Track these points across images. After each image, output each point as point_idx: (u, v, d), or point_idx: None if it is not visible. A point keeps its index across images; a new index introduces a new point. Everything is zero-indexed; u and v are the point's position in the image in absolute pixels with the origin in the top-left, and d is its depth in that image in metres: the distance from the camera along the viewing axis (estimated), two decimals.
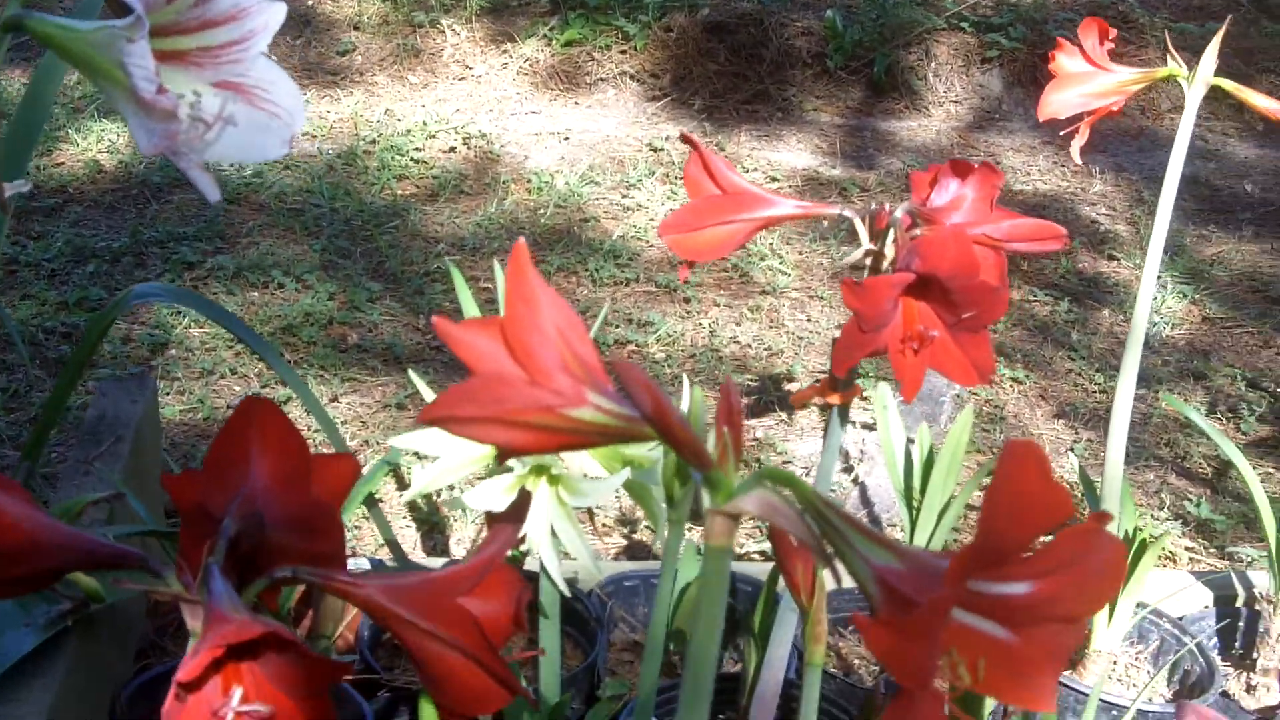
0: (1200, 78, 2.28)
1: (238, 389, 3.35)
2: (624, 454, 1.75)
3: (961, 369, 1.75)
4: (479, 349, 0.98)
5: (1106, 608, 2.45)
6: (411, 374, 1.93)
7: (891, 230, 1.83)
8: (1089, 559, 0.88)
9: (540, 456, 1.67)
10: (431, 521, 2.94)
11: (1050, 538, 0.88)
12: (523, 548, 1.78)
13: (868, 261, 1.86)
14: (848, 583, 2.51)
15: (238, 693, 1.02)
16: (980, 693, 0.90)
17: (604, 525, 3.04)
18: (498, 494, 1.66)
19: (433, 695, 1.09)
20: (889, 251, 1.84)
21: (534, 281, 0.98)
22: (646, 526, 3.03)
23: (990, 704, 2.14)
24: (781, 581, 2.16)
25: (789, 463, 3.31)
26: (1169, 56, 2.30)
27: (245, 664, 1.03)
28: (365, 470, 2.43)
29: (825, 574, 1.63)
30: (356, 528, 2.88)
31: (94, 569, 1.17)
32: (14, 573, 1.09)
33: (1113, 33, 2.24)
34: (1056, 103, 2.25)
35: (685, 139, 1.86)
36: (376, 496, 2.57)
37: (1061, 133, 2.29)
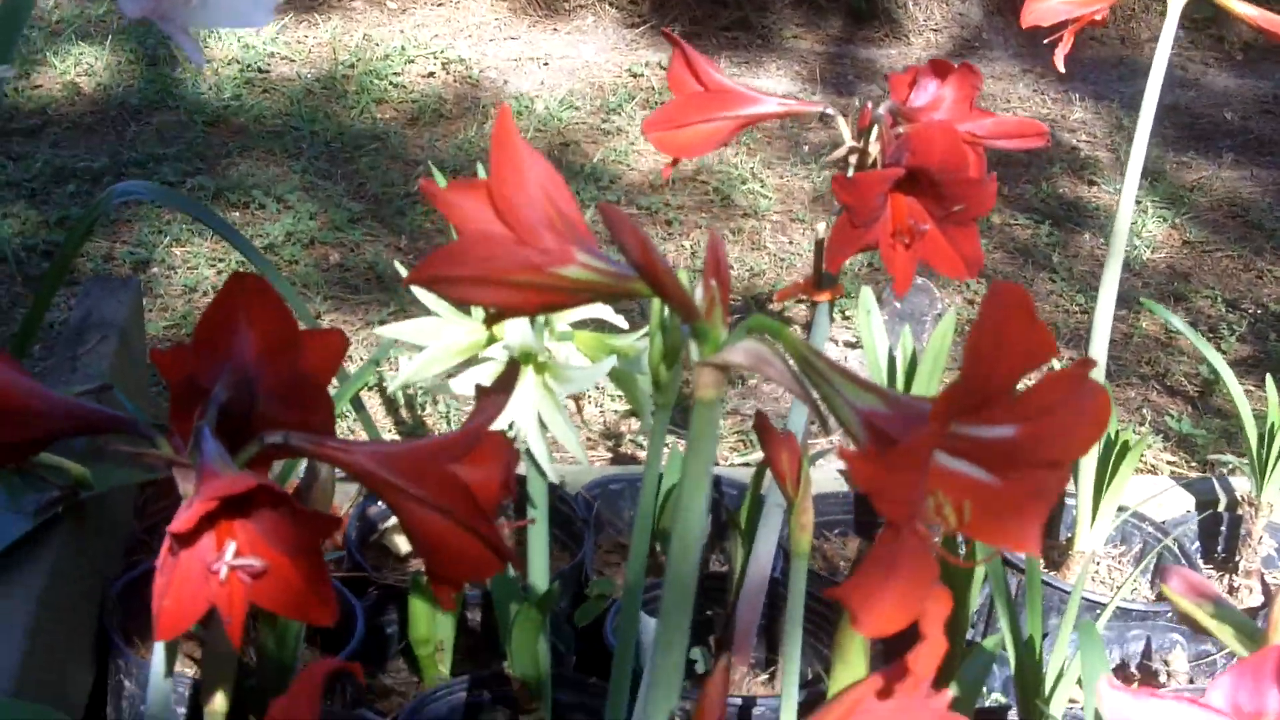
0: None
1: None
2: (610, 343, 1.75)
3: (951, 262, 1.77)
4: (465, 209, 0.98)
5: (1089, 510, 2.47)
6: (398, 265, 1.94)
7: (875, 127, 1.84)
8: (1072, 403, 0.88)
9: (526, 344, 1.67)
10: (416, 434, 2.95)
11: (1033, 382, 0.89)
12: (510, 435, 1.78)
13: (852, 159, 1.87)
14: (829, 487, 2.53)
15: (231, 546, 1.03)
16: (967, 535, 0.91)
17: (590, 439, 3.05)
18: (484, 380, 1.66)
19: (426, 562, 1.10)
20: (873, 149, 1.85)
21: (518, 143, 0.99)
22: (631, 440, 3.04)
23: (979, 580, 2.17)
24: (766, 480, 2.19)
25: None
26: None
27: (238, 520, 1.04)
28: (351, 371, 2.44)
29: (811, 469, 1.65)
30: (349, 432, 2.88)
31: (86, 434, 1.17)
32: (7, 438, 1.10)
33: None
34: (1039, 10, 2.24)
35: (668, 36, 1.87)
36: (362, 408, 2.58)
37: (1045, 41, 2.29)
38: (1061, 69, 2.23)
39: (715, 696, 0.99)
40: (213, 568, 1.03)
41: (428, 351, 1.70)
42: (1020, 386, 0.87)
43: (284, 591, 1.05)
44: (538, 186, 0.98)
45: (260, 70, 4.59)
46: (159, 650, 1.16)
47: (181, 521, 1.00)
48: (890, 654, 1.56)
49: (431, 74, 4.75)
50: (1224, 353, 3.57)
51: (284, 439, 1.10)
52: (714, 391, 0.95)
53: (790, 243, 3.96)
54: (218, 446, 1.06)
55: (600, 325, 1.78)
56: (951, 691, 0.97)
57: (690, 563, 1.00)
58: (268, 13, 1.25)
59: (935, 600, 0.87)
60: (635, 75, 4.87)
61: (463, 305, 1.72)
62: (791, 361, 0.94)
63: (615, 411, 3.13)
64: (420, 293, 1.60)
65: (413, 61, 4.79)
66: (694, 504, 0.99)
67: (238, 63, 4.59)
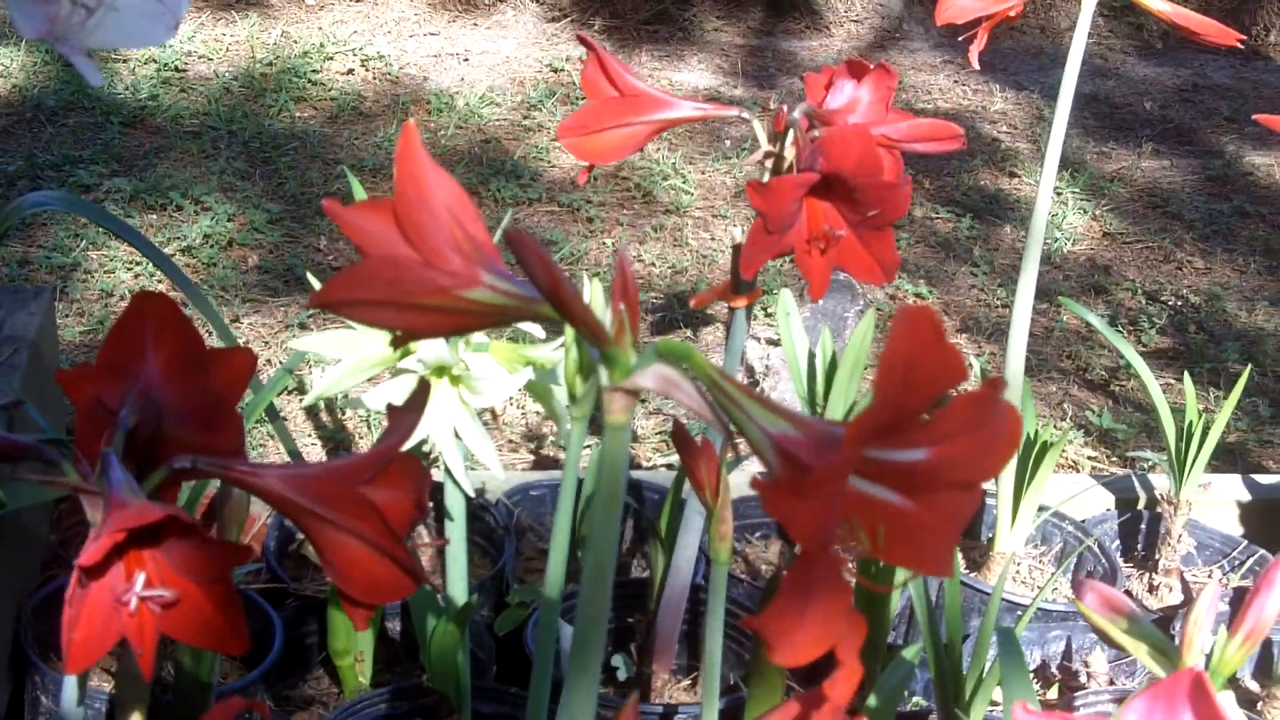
0: None
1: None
2: (526, 355, 1.74)
3: (867, 267, 1.76)
4: (370, 231, 0.97)
5: (1009, 510, 2.47)
6: (310, 276, 1.92)
7: (790, 131, 1.84)
8: (985, 424, 0.88)
9: (440, 357, 1.66)
10: (337, 439, 2.93)
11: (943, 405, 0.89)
12: (425, 448, 1.77)
13: (768, 164, 1.86)
14: (750, 490, 2.52)
15: (141, 577, 1.02)
16: (880, 559, 0.90)
17: (510, 441, 3.04)
18: (398, 394, 1.65)
19: (338, 585, 1.09)
20: (789, 153, 1.85)
21: (424, 162, 0.97)
22: (553, 442, 3.03)
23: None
24: (687, 486, 2.18)
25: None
26: None
27: (147, 550, 1.03)
28: (266, 381, 2.42)
29: (730, 476, 1.64)
30: (261, 446, 2.86)
31: None
32: None
33: None
34: (955, 6, 2.24)
35: (581, 40, 1.86)
36: (281, 414, 2.56)
37: (960, 38, 2.29)
38: (976, 65, 2.23)
39: None
40: (122, 599, 1.02)
41: (342, 365, 1.69)
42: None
43: (195, 621, 1.05)
44: (444, 208, 0.97)
45: (177, 70, 4.56)
46: (69, 682, 1.15)
47: (89, 554, 0.98)
48: (809, 671, 1.56)
49: (351, 71, 4.73)
50: (1144, 345, 3.59)
51: (192, 463, 1.09)
52: (624, 416, 0.94)
53: (712, 239, 3.96)
54: (125, 475, 1.04)
55: (516, 334, 1.77)
56: (871, 704, 0.96)
57: (604, 582, 0.99)
58: (168, 30, 1.23)
59: (851, 626, 0.86)
60: (556, 70, 4.86)
61: None
62: (702, 386, 0.93)
63: (537, 414, 3.12)
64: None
65: (331, 59, 4.77)
66: (608, 523, 0.98)
67: (154, 62, 4.55)
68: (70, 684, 1.15)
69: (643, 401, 3.08)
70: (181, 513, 1.01)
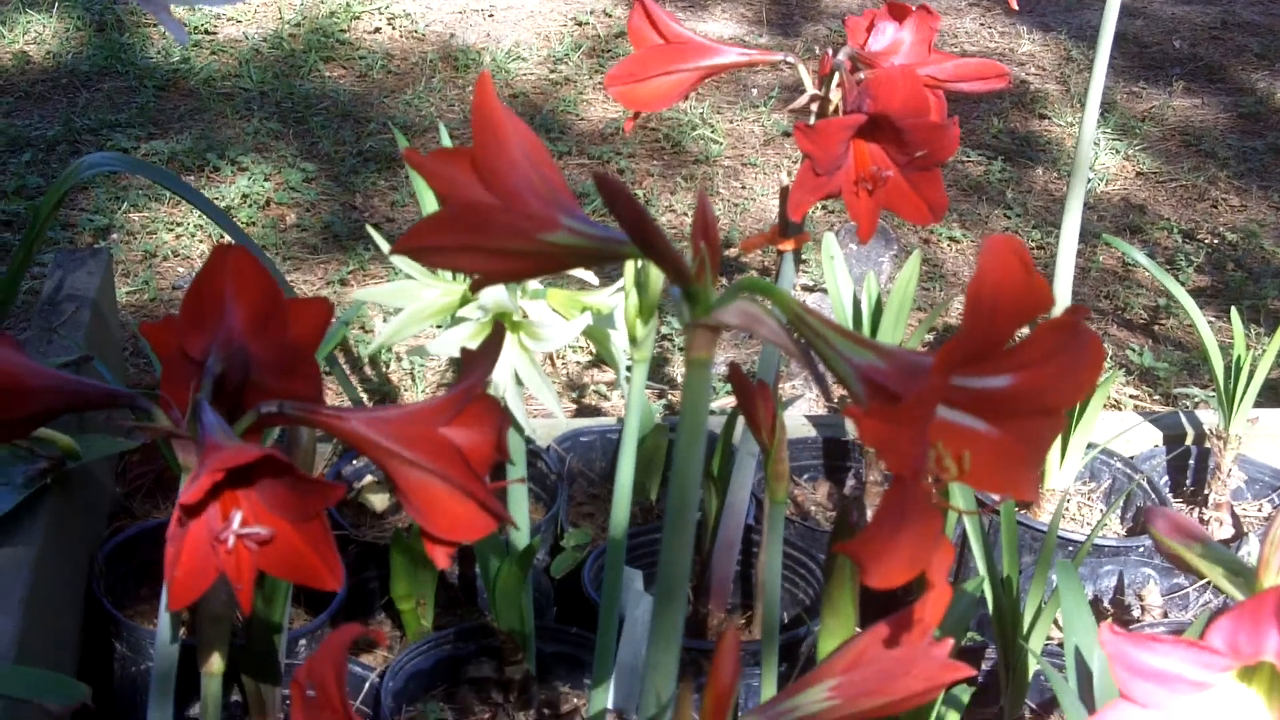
0: None
1: (180, 270, 3.35)
2: (583, 301, 1.76)
3: (915, 208, 1.78)
4: (451, 178, 0.99)
5: (1058, 448, 2.49)
6: (370, 230, 1.94)
7: (836, 75, 1.85)
8: (1067, 351, 0.90)
9: (500, 304, 1.68)
10: (383, 390, 2.95)
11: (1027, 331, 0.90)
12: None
13: (813, 107, 1.88)
14: (799, 433, 2.54)
15: (238, 516, 1.04)
16: (967, 484, 0.92)
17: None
18: (460, 342, 1.67)
19: (420, 524, 1.11)
20: (834, 96, 1.86)
21: (500, 111, 0.99)
22: (595, 391, 3.05)
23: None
24: (738, 430, 2.20)
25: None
26: None
27: (242, 490, 1.06)
28: None
29: (785, 412, 1.66)
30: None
31: (86, 409, 1.18)
32: (9, 415, 1.11)
33: None
34: None
35: None
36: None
37: None
38: (1015, 7, 2.23)
39: (728, 657, 1.00)
40: (220, 536, 1.04)
41: (403, 314, 1.71)
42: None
43: (290, 558, 1.07)
44: (521, 154, 0.99)
45: (207, 32, 4.57)
46: (165, 618, 1.17)
47: (190, 493, 1.01)
48: (872, 603, 1.58)
49: (377, 30, 4.73)
50: (1182, 284, 3.59)
51: (279, 408, 1.11)
52: (706, 352, 0.96)
53: (743, 188, 3.97)
54: (218, 418, 1.07)
55: (568, 280, 1.79)
56: (936, 636, 0.98)
57: (689, 518, 1.01)
58: None
59: (941, 550, 0.88)
60: (580, 24, 4.86)
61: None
62: (784, 319, 0.95)
63: (578, 363, 3.14)
64: (397, 257, 1.61)
65: (358, 18, 4.77)
66: (691, 461, 1.00)
67: (185, 25, 4.56)
68: (164, 620, 1.17)
69: (681, 350, 3.10)
70: (276, 452, 1.03)
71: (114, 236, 3.46)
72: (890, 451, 0.84)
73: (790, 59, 1.91)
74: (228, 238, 2.78)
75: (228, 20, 4.66)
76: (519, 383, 1.75)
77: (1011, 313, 0.86)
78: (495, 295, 1.68)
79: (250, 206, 3.62)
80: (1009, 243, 0.85)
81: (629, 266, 1.52)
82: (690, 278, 0.95)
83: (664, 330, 3.25)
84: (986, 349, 0.88)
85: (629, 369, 1.59)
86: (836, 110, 1.85)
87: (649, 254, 0.95)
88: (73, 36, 4.46)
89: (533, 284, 1.76)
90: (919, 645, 0.95)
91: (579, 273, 1.84)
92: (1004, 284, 0.85)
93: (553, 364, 3.14)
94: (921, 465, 0.85)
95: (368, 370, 3.02)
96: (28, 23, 4.48)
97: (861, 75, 1.85)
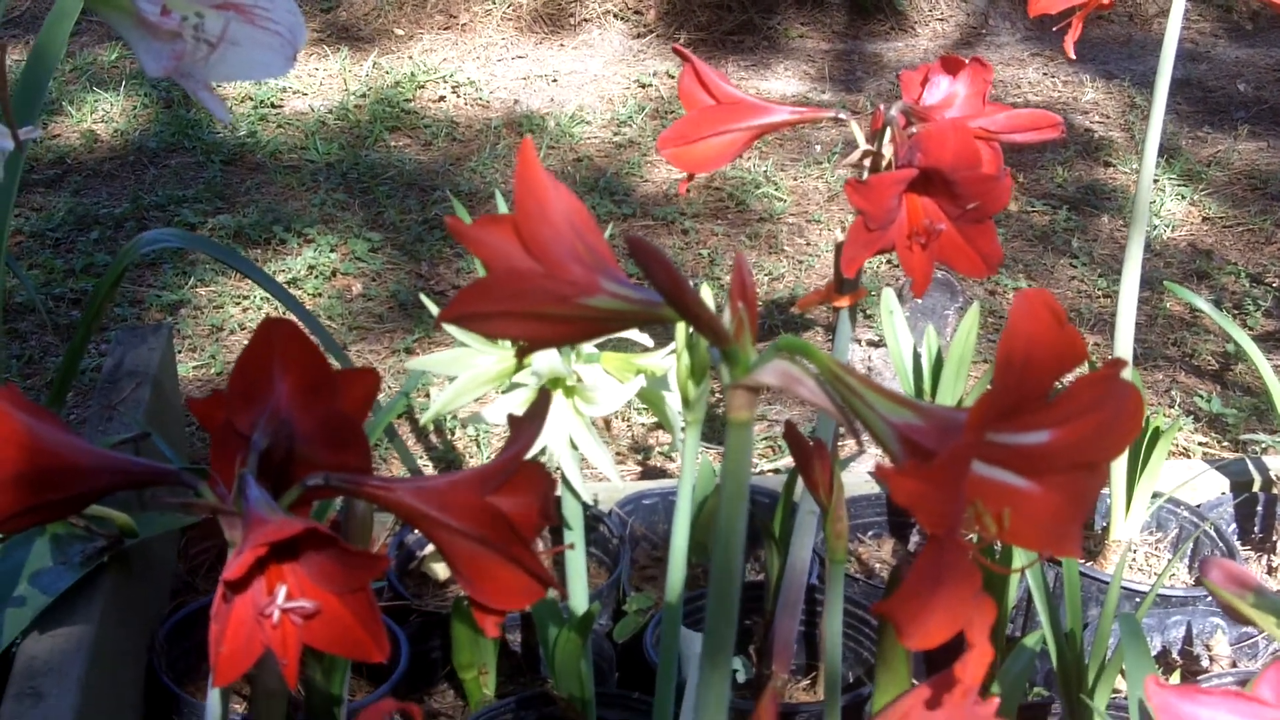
0: None
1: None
2: (636, 363, 1.77)
3: (969, 260, 1.77)
4: (493, 245, 0.99)
5: (1123, 498, 2.47)
6: (425, 299, 1.95)
7: (888, 129, 1.85)
8: (1107, 404, 0.89)
9: (554, 369, 1.68)
10: (448, 459, 2.96)
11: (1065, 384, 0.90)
12: (542, 459, 1.80)
13: (866, 163, 1.88)
14: (861, 490, 2.53)
15: (282, 590, 1.04)
16: (1007, 543, 0.91)
17: (619, 454, 3.06)
18: (514, 408, 1.68)
19: (469, 593, 1.11)
20: (886, 151, 1.86)
21: (542, 176, 0.99)
22: (660, 452, 3.05)
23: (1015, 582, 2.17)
24: (799, 488, 2.20)
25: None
26: None
27: (287, 564, 1.05)
28: (382, 402, 2.45)
29: (843, 473, 1.66)
30: (381, 461, 2.90)
31: (132, 488, 1.19)
32: (55, 496, 1.11)
33: None
34: None
35: (678, 51, 1.88)
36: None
37: (1054, 29, 2.30)
38: (1072, 55, 2.23)
39: (766, 716, 0.99)
40: (265, 611, 1.04)
41: (459, 381, 1.72)
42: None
43: (336, 631, 1.07)
44: (563, 219, 0.99)
45: (273, 106, 4.62)
46: (214, 695, 1.17)
47: (233, 569, 1.01)
48: (932, 658, 1.57)
49: (442, 98, 4.77)
50: (1250, 329, 3.56)
51: (325, 480, 1.11)
52: (746, 413, 0.96)
53: (807, 244, 3.97)
54: (262, 493, 1.07)
55: (622, 343, 1.79)
56: (995, 691, 0.97)
57: (733, 579, 1.01)
58: (287, 62, 1.25)
59: (980, 609, 0.87)
60: (644, 86, 4.88)
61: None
62: (822, 379, 0.94)
63: (643, 425, 3.14)
64: (450, 325, 1.62)
65: (423, 87, 4.81)
66: (734, 522, 0.99)
67: (251, 99, 4.61)
68: (214, 700, 1.18)
69: None
70: (321, 525, 1.03)
71: (181, 311, 3.49)
72: (924, 510, 0.84)
73: (842, 115, 1.91)
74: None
75: (294, 94, 4.70)
76: (574, 447, 1.75)
77: (1045, 367, 0.86)
78: (548, 360, 1.68)
79: (316, 278, 3.64)
80: (1039, 296, 0.84)
81: (680, 328, 1.52)
82: (728, 339, 0.95)
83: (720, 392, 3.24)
84: (1022, 404, 0.87)
85: (684, 430, 1.59)
86: (889, 165, 1.85)
87: (684, 315, 0.95)
88: (140, 114, 4.51)
89: (587, 348, 1.76)
90: (962, 705, 0.94)
91: (634, 335, 1.84)
92: (1036, 338, 0.84)
93: (615, 426, 3.14)
94: (956, 523, 0.85)
95: (433, 439, 3.04)
96: (95, 101, 4.54)
97: (914, 129, 1.85)
